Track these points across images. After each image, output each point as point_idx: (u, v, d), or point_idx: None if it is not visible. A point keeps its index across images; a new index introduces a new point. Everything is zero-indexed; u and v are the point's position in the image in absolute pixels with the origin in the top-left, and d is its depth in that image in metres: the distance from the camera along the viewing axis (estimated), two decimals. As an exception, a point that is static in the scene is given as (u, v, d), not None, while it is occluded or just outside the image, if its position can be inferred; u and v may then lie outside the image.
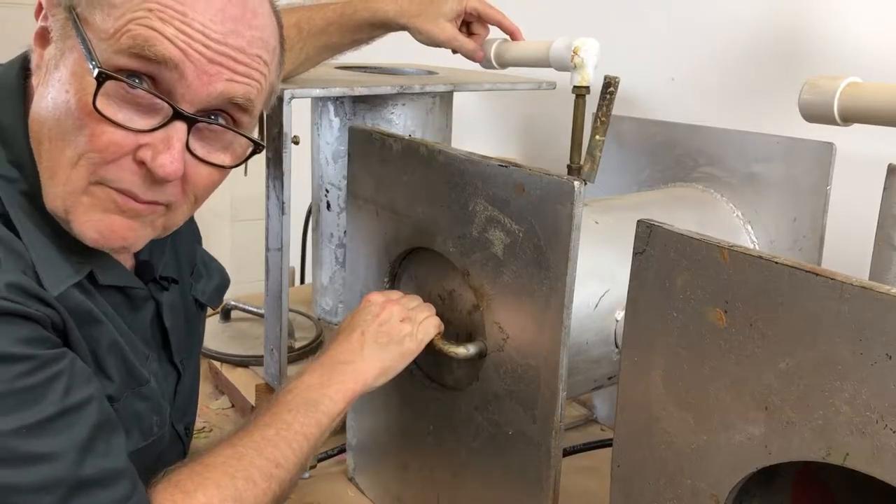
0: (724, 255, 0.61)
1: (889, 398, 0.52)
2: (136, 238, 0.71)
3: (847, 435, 0.55)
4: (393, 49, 1.89)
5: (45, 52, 0.68)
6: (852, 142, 1.04)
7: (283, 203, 1.13)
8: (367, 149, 0.98)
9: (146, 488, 0.68)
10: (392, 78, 1.42)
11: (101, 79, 0.63)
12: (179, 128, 0.67)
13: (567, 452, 1.15)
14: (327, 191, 1.45)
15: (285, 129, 1.08)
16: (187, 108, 0.67)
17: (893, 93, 0.87)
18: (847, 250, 1.03)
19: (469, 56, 1.19)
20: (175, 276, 0.87)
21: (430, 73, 1.50)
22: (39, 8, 0.68)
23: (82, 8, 0.65)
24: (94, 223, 0.68)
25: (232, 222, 2.76)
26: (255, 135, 0.76)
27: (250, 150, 0.75)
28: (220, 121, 0.71)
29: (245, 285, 2.71)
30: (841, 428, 0.55)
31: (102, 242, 0.69)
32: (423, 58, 1.79)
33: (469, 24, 1.18)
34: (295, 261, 1.87)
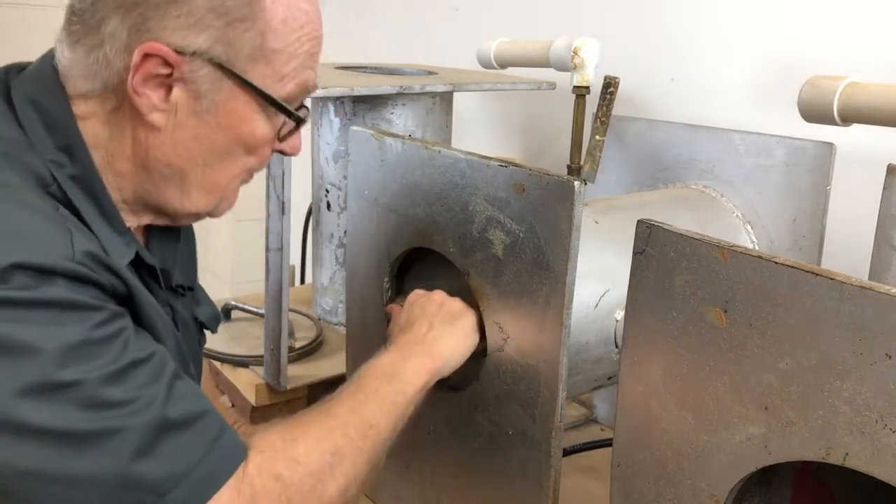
0: (723, 254, 0.61)
1: (889, 398, 0.52)
2: None
3: (847, 435, 0.55)
4: (393, 49, 1.88)
5: (171, 96, 0.73)
6: (852, 142, 1.04)
7: (283, 203, 1.13)
8: (367, 149, 0.98)
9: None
10: (392, 78, 1.42)
11: (299, 123, 0.78)
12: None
13: (567, 452, 1.14)
14: (327, 191, 1.45)
15: (285, 129, 1.08)
16: None
17: (893, 93, 0.87)
18: (847, 250, 1.03)
19: None
20: (188, 285, 0.88)
21: (430, 73, 1.50)
22: (145, 57, 0.70)
23: (241, 62, 0.73)
24: (232, 202, 0.82)
25: (232, 222, 2.76)
26: None
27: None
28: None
29: (245, 285, 2.71)
30: (841, 428, 0.55)
31: (229, 210, 0.82)
32: (424, 58, 1.79)
33: None
34: (295, 261, 1.87)
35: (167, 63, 0.70)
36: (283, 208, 1.13)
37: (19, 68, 0.77)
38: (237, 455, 0.67)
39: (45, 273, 0.61)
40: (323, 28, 0.78)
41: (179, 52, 0.70)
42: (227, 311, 1.55)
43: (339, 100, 1.38)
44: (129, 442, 0.61)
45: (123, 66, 0.70)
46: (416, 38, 2.03)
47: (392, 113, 1.36)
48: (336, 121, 1.40)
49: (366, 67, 1.54)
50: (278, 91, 0.75)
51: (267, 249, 1.18)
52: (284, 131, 0.79)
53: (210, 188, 0.78)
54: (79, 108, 0.73)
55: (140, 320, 0.70)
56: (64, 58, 0.73)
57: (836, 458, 0.56)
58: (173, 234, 0.87)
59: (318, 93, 1.17)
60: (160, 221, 0.81)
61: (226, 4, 0.70)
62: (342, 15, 2.34)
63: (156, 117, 0.73)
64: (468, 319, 0.88)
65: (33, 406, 0.59)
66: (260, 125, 0.76)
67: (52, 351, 0.59)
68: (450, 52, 1.80)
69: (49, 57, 0.75)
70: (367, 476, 0.75)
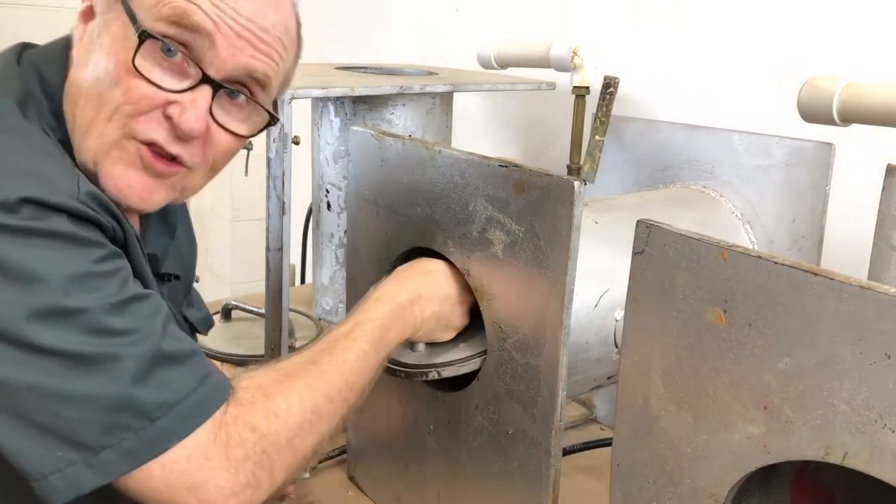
0: (722, 255, 0.61)
1: (888, 398, 0.52)
2: (152, 199, 0.77)
3: (846, 434, 0.55)
4: (393, 49, 1.88)
5: (87, 27, 0.76)
6: (851, 142, 1.04)
7: (283, 203, 1.13)
8: (367, 149, 0.98)
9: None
10: (392, 78, 1.42)
11: (143, 37, 0.71)
12: (206, 91, 0.74)
13: (567, 452, 1.15)
14: (327, 191, 1.45)
15: (285, 129, 1.08)
16: (214, 75, 0.74)
17: (892, 93, 0.87)
18: (846, 250, 1.03)
19: None
20: (178, 274, 0.91)
21: (430, 73, 1.50)
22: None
23: None
24: (115, 177, 0.74)
25: (232, 222, 2.76)
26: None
27: (265, 122, 0.82)
28: (243, 93, 0.78)
29: (245, 285, 2.72)
30: (840, 427, 0.55)
31: (119, 197, 0.74)
32: (424, 58, 1.79)
33: None
34: (295, 261, 1.87)
35: None
36: (283, 208, 1.13)
37: (33, 46, 0.82)
38: (222, 393, 0.70)
39: (51, 208, 0.65)
40: None
41: None
42: (227, 311, 1.55)
43: (339, 100, 1.38)
44: (128, 368, 0.64)
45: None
46: (416, 38, 2.03)
47: (392, 113, 1.36)
48: (336, 121, 1.40)
49: (366, 67, 1.54)
50: (154, 13, 0.72)
51: (267, 249, 1.18)
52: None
53: (85, 128, 0.74)
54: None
55: (132, 267, 0.73)
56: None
57: (835, 457, 0.56)
58: (167, 229, 0.91)
59: (318, 93, 1.17)
60: None
61: None
62: (342, 15, 2.34)
63: (74, 51, 0.77)
64: (457, 309, 0.90)
65: (42, 328, 0.62)
66: (128, 48, 0.72)
67: (58, 278, 0.63)
68: (450, 52, 1.80)
69: (63, 38, 0.80)
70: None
